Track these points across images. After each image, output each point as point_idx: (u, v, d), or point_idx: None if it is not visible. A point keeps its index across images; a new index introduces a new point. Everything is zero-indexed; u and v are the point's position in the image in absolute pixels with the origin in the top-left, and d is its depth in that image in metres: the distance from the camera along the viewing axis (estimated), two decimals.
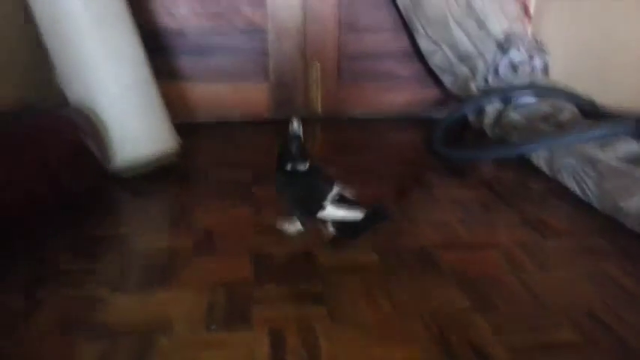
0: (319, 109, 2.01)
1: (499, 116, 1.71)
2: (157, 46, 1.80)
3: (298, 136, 1.01)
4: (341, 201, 1.02)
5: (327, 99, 2.01)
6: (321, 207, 1.01)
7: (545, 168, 1.46)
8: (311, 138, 1.83)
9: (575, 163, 1.34)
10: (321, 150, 1.73)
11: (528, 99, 1.66)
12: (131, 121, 1.38)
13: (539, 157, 1.47)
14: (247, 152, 1.66)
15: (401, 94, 2.05)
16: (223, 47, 1.91)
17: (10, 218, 1.06)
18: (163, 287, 0.96)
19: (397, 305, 0.91)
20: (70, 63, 1.34)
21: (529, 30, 1.90)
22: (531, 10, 1.91)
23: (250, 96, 1.81)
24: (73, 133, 1.24)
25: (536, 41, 1.81)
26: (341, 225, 1.02)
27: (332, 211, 1.01)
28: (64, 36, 1.31)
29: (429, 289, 0.96)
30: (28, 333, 0.84)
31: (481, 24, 1.79)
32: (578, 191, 1.33)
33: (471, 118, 1.83)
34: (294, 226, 1.08)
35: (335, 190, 1.03)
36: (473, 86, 1.82)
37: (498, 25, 1.79)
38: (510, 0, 1.85)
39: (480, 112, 1.77)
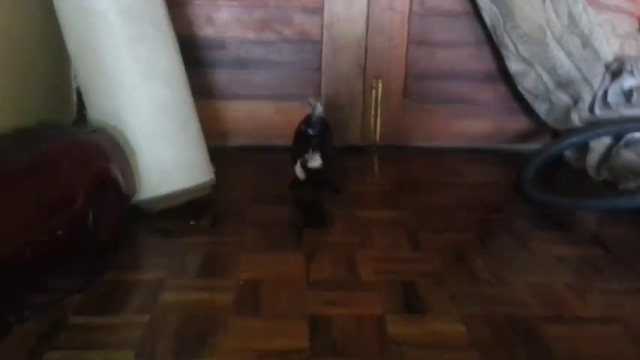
0: (377, 137, 2.04)
1: (608, 155, 1.69)
2: (190, 58, 1.80)
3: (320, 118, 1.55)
4: (306, 169, 1.55)
5: (388, 124, 2.03)
6: (296, 160, 1.53)
7: None
8: (366, 170, 1.92)
9: None
10: (379, 185, 1.76)
11: None
12: (163, 147, 1.41)
13: None
14: None
15: (480, 122, 2.07)
16: (268, 61, 1.98)
17: (28, 265, 1.03)
18: (197, 358, 0.91)
19: None
20: (98, 76, 1.37)
21: None
22: None
23: (296, 118, 1.72)
24: (102, 163, 1.23)
25: None
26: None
27: (297, 168, 1.55)
28: (94, 47, 1.35)
29: None
30: None
31: (586, 41, 1.78)
32: None
33: (571, 155, 1.82)
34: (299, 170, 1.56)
35: (311, 158, 1.53)
36: (575, 117, 1.79)
37: (607, 44, 1.78)
38: (623, 14, 1.85)
39: (583, 148, 1.76)
